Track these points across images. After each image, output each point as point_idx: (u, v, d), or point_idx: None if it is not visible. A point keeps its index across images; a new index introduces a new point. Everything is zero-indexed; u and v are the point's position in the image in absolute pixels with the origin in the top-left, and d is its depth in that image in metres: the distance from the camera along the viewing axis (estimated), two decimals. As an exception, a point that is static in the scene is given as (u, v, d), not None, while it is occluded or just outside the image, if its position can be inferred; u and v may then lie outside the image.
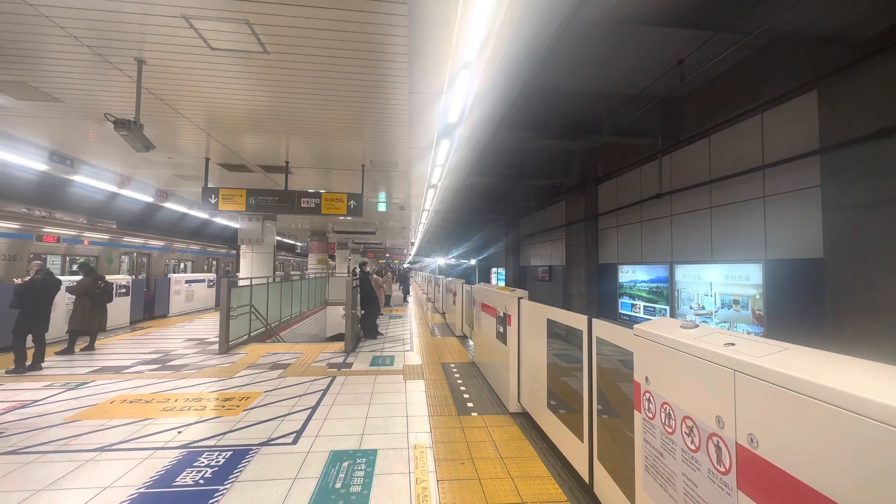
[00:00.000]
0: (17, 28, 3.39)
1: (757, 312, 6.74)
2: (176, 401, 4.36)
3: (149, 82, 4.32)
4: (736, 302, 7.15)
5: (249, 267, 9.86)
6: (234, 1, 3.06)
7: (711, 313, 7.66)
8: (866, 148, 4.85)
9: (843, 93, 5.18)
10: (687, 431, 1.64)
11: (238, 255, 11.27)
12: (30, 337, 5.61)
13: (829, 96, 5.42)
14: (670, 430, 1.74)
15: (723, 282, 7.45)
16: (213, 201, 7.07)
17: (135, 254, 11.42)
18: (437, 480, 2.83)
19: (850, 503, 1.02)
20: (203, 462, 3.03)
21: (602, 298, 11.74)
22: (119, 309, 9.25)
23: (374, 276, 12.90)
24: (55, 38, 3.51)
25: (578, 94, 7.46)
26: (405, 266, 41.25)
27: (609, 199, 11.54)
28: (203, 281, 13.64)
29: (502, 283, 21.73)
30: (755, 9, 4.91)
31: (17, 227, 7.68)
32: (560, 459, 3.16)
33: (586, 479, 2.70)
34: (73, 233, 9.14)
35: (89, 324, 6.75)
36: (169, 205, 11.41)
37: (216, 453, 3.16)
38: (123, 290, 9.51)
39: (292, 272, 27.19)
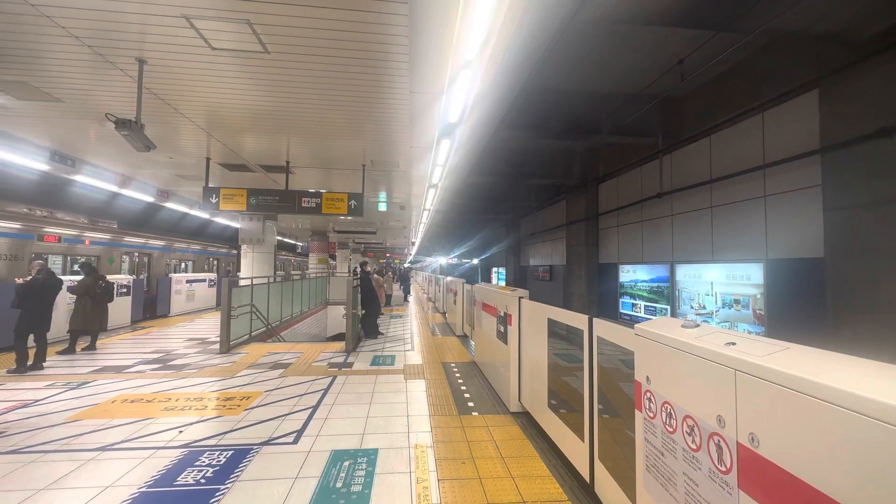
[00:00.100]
0: (18, 28, 3.40)
1: (758, 312, 6.74)
2: (177, 400, 4.37)
3: (150, 82, 4.32)
4: (737, 301, 7.14)
5: (250, 267, 9.88)
6: (234, 1, 3.06)
7: (712, 313, 7.65)
8: (867, 147, 4.84)
9: (844, 92, 5.18)
10: (688, 431, 1.64)
11: (239, 255, 11.28)
12: (31, 337, 5.62)
13: (829, 96, 5.42)
14: (671, 430, 1.74)
15: (724, 281, 7.45)
16: (213, 201, 7.08)
17: (136, 254, 11.43)
18: (438, 480, 2.83)
19: (851, 502, 1.02)
20: (204, 461, 3.03)
21: (603, 298, 11.73)
22: (120, 309, 9.25)
23: (375, 275, 12.91)
24: (56, 38, 3.51)
25: (579, 93, 7.46)
26: (406, 266, 41.25)
27: (610, 199, 11.54)
28: (204, 281, 13.65)
29: (503, 283, 21.73)
30: (755, 8, 4.91)
31: (19, 226, 7.69)
32: (561, 459, 3.16)
33: (587, 479, 2.70)
34: (74, 233, 9.15)
35: (90, 323, 6.76)
36: (170, 205, 11.42)
37: (217, 453, 3.17)
38: (125, 290, 9.52)
39: (293, 272, 27.22)
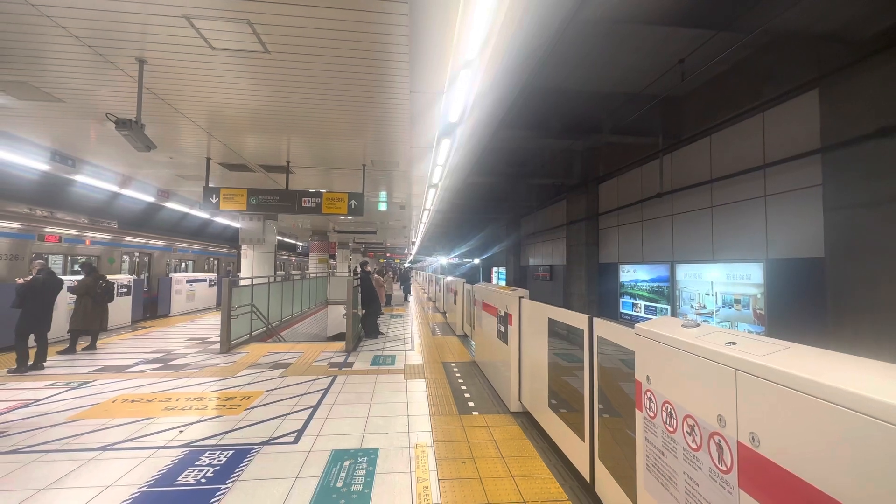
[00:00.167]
0: (18, 28, 3.40)
1: (758, 312, 6.73)
2: (177, 400, 4.37)
3: (150, 82, 4.32)
4: (737, 301, 7.14)
5: (250, 266, 9.89)
6: (234, 0, 3.06)
7: (712, 312, 7.65)
8: (867, 147, 4.84)
9: (844, 92, 5.17)
10: (688, 430, 1.64)
11: (239, 255, 11.29)
12: (32, 336, 5.63)
13: (829, 95, 5.41)
14: (671, 429, 1.74)
15: (724, 281, 7.44)
16: (214, 201, 7.08)
17: (136, 253, 11.44)
18: (439, 479, 2.83)
19: (852, 501, 1.02)
20: (204, 461, 3.03)
21: (603, 298, 11.73)
22: (121, 308, 9.26)
23: (375, 275, 12.91)
24: (57, 38, 3.52)
25: (579, 93, 7.46)
26: (406, 265, 41.26)
27: (610, 199, 11.53)
28: (204, 280, 13.66)
29: (503, 283, 21.72)
30: (756, 8, 4.91)
31: (19, 226, 7.69)
32: (561, 458, 3.16)
33: (587, 479, 2.70)
34: (74, 232, 9.16)
35: (90, 323, 6.76)
36: (170, 204, 11.43)
37: (217, 452, 3.17)
38: (125, 290, 9.52)
39: (293, 272, 27.22)
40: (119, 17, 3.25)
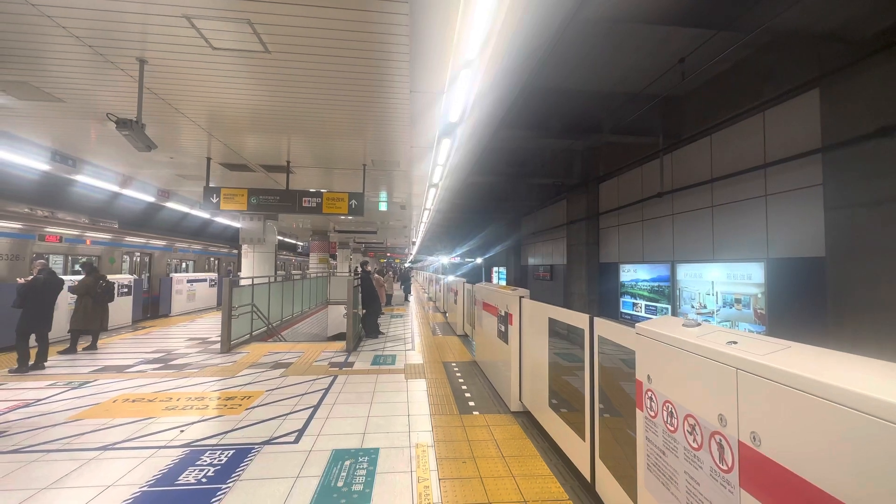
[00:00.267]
0: (18, 28, 3.40)
1: (759, 311, 6.73)
2: (178, 400, 4.37)
3: (150, 82, 4.33)
4: (738, 301, 7.14)
5: (251, 266, 9.90)
6: (235, 0, 3.06)
7: (713, 312, 7.65)
8: (868, 146, 4.84)
9: (845, 91, 5.17)
10: (689, 430, 1.64)
11: (239, 255, 11.30)
12: (33, 336, 5.63)
13: (830, 95, 5.41)
14: (672, 429, 1.74)
15: (724, 281, 7.44)
16: (214, 201, 7.08)
17: (137, 253, 11.44)
18: (439, 479, 2.83)
19: (853, 500, 1.02)
20: (205, 461, 3.04)
21: (603, 297, 11.73)
22: (121, 308, 9.27)
23: (376, 275, 12.91)
24: (57, 38, 3.52)
25: (579, 93, 7.46)
26: (406, 265, 41.26)
27: (610, 198, 11.53)
28: (205, 280, 13.67)
29: (503, 282, 21.72)
30: (756, 7, 4.90)
31: (20, 226, 7.70)
32: (562, 458, 3.16)
33: (588, 478, 2.70)
34: (75, 232, 9.16)
35: (91, 323, 6.77)
36: (170, 204, 11.43)
37: (218, 452, 3.17)
38: (126, 290, 9.53)
39: (294, 272, 27.23)
40: (119, 17, 3.25)
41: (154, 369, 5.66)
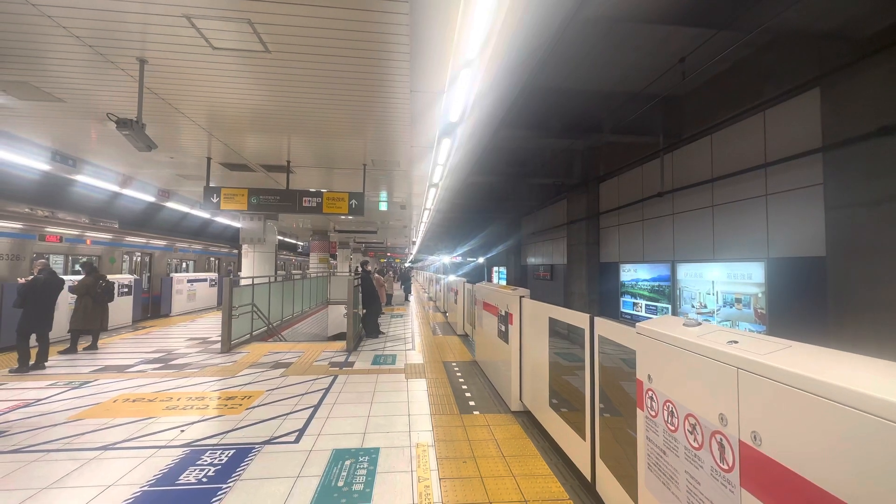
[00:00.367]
0: (19, 28, 3.40)
1: (759, 311, 6.73)
2: (178, 400, 4.37)
3: (150, 82, 4.33)
4: (738, 300, 7.13)
5: (251, 266, 9.90)
6: (235, 0, 3.06)
7: (713, 312, 7.64)
8: (868, 146, 4.83)
9: (846, 90, 5.16)
10: (690, 429, 1.64)
11: (240, 255, 11.30)
12: (33, 336, 5.63)
13: (831, 94, 5.40)
14: (673, 428, 1.74)
15: (725, 280, 7.43)
16: (215, 200, 7.08)
17: (137, 253, 11.45)
18: (440, 479, 2.83)
19: (854, 500, 1.01)
20: (206, 460, 3.04)
21: (603, 297, 11.72)
22: (121, 308, 9.27)
23: (376, 275, 12.92)
24: (57, 37, 3.52)
25: (579, 92, 7.45)
26: (406, 265, 41.26)
27: (610, 198, 11.52)
28: (205, 280, 13.67)
29: (503, 282, 21.71)
30: (757, 6, 4.89)
31: (21, 226, 7.70)
32: (562, 458, 3.16)
33: (588, 478, 2.70)
34: (75, 232, 9.17)
35: (90, 323, 6.77)
36: (171, 204, 11.43)
37: (219, 452, 3.18)
38: (126, 290, 9.53)
39: (294, 271, 27.24)
40: (120, 17, 3.25)
41: (154, 369, 5.66)
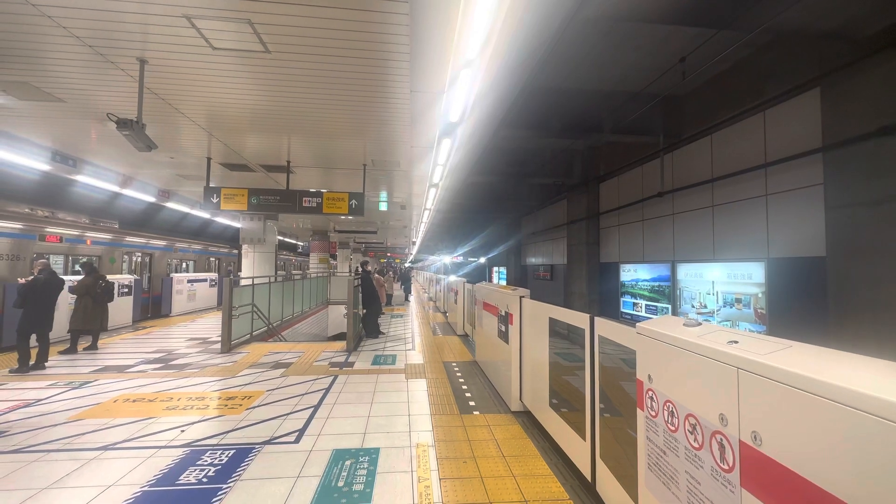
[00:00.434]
0: (19, 28, 3.40)
1: (759, 311, 6.72)
2: (178, 400, 4.37)
3: (151, 82, 4.33)
4: (738, 300, 7.13)
5: (251, 266, 9.90)
6: (235, 0, 3.06)
7: (713, 312, 7.64)
8: (869, 146, 4.83)
9: (846, 90, 5.16)
10: (690, 429, 1.63)
11: (240, 255, 11.30)
12: (34, 336, 5.63)
13: (831, 94, 5.40)
14: (673, 428, 1.74)
15: (725, 280, 7.43)
16: (215, 201, 7.09)
17: (137, 253, 11.45)
18: (440, 479, 2.83)
19: (854, 500, 1.01)
20: (206, 461, 3.04)
21: (603, 297, 11.72)
22: (122, 308, 9.27)
23: (376, 275, 12.92)
24: (57, 38, 3.52)
25: (580, 92, 7.44)
26: (406, 265, 41.26)
27: (611, 198, 11.52)
28: (205, 280, 13.67)
29: (503, 282, 21.72)
30: (757, 6, 4.89)
31: (21, 227, 7.70)
32: (562, 458, 3.16)
33: (588, 478, 2.70)
34: (75, 232, 9.17)
35: (90, 323, 6.77)
36: (171, 204, 11.43)
37: (219, 452, 3.18)
38: (126, 290, 9.53)
39: (294, 271, 27.24)
40: (120, 17, 3.25)
41: (154, 369, 5.66)
